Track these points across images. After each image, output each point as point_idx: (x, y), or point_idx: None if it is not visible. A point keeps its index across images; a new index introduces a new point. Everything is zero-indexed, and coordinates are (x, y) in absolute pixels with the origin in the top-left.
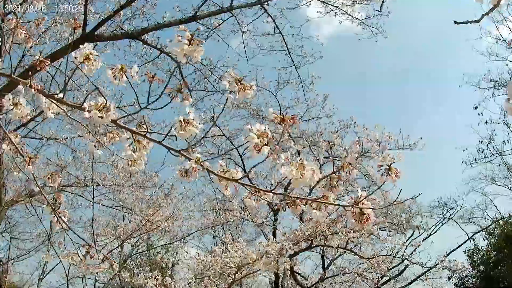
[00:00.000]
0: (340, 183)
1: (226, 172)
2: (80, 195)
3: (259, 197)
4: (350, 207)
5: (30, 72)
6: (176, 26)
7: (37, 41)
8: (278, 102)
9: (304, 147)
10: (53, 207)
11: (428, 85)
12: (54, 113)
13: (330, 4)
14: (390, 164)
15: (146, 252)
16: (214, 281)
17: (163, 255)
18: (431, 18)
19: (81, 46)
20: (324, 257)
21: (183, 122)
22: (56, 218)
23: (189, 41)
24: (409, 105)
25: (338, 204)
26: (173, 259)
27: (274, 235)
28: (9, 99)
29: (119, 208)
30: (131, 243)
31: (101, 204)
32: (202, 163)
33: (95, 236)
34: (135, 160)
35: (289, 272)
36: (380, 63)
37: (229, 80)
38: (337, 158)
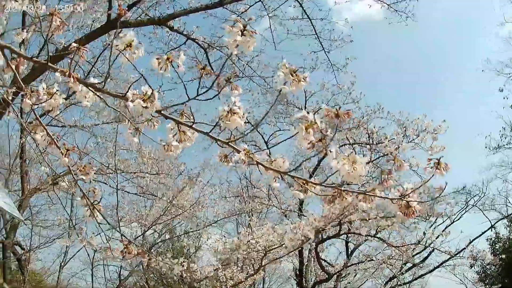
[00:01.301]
0: (391, 177)
1: (273, 162)
2: (103, 182)
3: (307, 189)
4: (397, 200)
5: (70, 61)
6: (203, 11)
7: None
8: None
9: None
10: (91, 202)
11: (447, 72)
12: (89, 102)
13: None
14: (440, 158)
15: (169, 239)
16: (240, 267)
17: (186, 241)
18: (450, 5)
19: (121, 34)
20: (349, 243)
21: (229, 113)
22: (89, 212)
23: (241, 32)
24: (428, 92)
25: (386, 197)
26: (196, 245)
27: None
28: (44, 88)
29: (143, 195)
30: (155, 229)
31: (124, 191)
32: (251, 155)
33: (119, 222)
34: (172, 146)
35: (313, 258)
36: (398, 49)
37: (284, 72)
38: (377, 145)
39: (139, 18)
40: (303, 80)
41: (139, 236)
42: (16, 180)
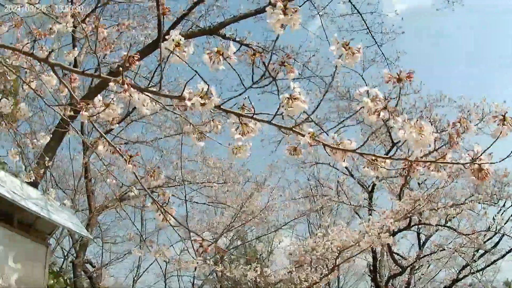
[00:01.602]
0: (459, 139)
1: (340, 144)
2: (172, 195)
3: (377, 165)
4: (469, 164)
5: (120, 69)
6: (252, 17)
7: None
8: (365, 81)
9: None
10: (160, 205)
11: (499, 62)
12: (148, 109)
13: None
14: (505, 113)
15: (241, 245)
16: (314, 268)
17: (258, 247)
18: None
19: (168, 35)
20: (420, 235)
21: (289, 98)
22: (162, 216)
23: (283, 11)
24: (481, 81)
25: (457, 162)
26: (268, 250)
27: (370, 216)
28: (100, 100)
29: (212, 204)
30: (226, 236)
31: (193, 201)
32: (317, 137)
33: (190, 234)
34: (240, 147)
35: (385, 253)
36: (447, 36)
37: (337, 46)
38: (441, 133)
39: (190, 29)
40: (356, 51)
41: (212, 243)
42: (82, 200)
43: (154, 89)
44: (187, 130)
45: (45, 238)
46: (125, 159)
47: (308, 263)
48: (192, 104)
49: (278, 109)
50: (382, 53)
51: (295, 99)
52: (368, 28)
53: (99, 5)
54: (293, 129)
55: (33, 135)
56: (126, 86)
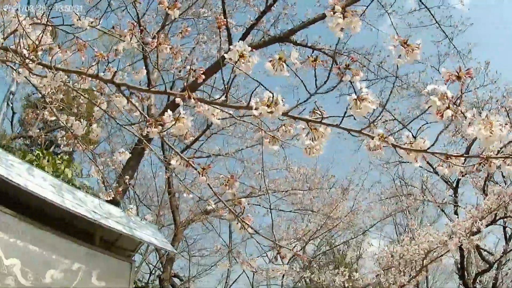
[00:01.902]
0: None
1: (412, 143)
2: (257, 204)
3: (451, 163)
4: None
5: (185, 84)
6: (321, 20)
7: (184, 64)
8: (442, 76)
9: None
10: (236, 214)
11: None
12: (219, 119)
13: None
14: None
15: (329, 250)
16: (402, 271)
17: (346, 251)
18: None
19: (232, 46)
20: (506, 229)
21: (357, 100)
22: (240, 225)
23: (342, 14)
24: None
25: None
26: (357, 254)
27: (456, 213)
28: (169, 115)
29: (298, 211)
30: (314, 243)
31: (279, 209)
32: (386, 138)
33: (277, 242)
34: (312, 147)
35: (473, 250)
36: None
37: (394, 44)
38: None
39: (262, 39)
40: (416, 48)
41: (299, 251)
42: (167, 215)
43: (218, 98)
44: (259, 137)
45: (129, 255)
46: (198, 172)
47: (396, 266)
48: (259, 113)
49: (346, 111)
50: (454, 46)
51: (363, 100)
52: (437, 22)
53: (167, 23)
54: (362, 131)
55: (112, 153)
56: (192, 100)
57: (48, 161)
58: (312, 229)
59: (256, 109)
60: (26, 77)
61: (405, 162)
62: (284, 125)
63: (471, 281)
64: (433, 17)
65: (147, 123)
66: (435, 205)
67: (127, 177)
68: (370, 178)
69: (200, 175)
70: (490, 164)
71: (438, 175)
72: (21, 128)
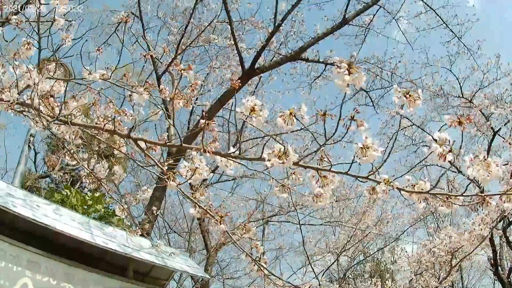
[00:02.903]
0: None
1: (415, 185)
2: (286, 221)
3: (451, 202)
4: None
5: (202, 138)
6: (331, 35)
7: (200, 91)
8: (455, 75)
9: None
10: (253, 259)
11: None
12: (232, 169)
13: None
14: None
15: (363, 260)
16: (433, 274)
17: (380, 259)
18: None
19: (244, 100)
20: None
21: (363, 148)
22: (257, 267)
23: (348, 70)
24: None
25: None
26: (391, 261)
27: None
28: (185, 166)
29: (328, 224)
30: (347, 255)
31: (309, 224)
32: (391, 183)
33: (309, 257)
34: (320, 195)
35: (505, 245)
36: None
37: (398, 96)
38: None
39: (273, 59)
40: (417, 98)
41: (333, 263)
42: (198, 240)
43: (232, 152)
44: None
45: (163, 284)
46: (216, 220)
47: (429, 268)
48: (271, 164)
49: (353, 160)
50: (464, 45)
51: (368, 148)
52: (444, 22)
53: (179, 52)
54: (369, 177)
55: (138, 186)
56: (209, 154)
57: (77, 199)
58: (343, 241)
59: (268, 160)
60: (43, 125)
61: (429, 165)
62: (294, 173)
63: (506, 275)
64: (440, 17)
65: (166, 177)
66: (462, 204)
67: (155, 208)
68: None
69: (219, 224)
70: (487, 203)
71: (464, 174)
72: (45, 167)
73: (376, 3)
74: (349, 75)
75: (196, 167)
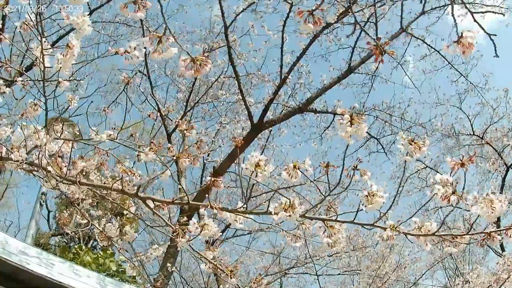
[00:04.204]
0: None
1: (420, 228)
2: (304, 273)
3: (457, 242)
4: None
5: (207, 195)
6: (338, 84)
7: (211, 148)
8: (465, 113)
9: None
10: None
11: None
12: (241, 223)
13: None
14: None
15: None
16: None
17: None
18: None
19: (249, 156)
20: None
21: (368, 196)
22: None
23: (350, 122)
24: None
25: None
26: None
27: (502, 247)
28: (194, 223)
29: (345, 273)
30: None
31: (327, 275)
32: (397, 228)
33: None
34: (334, 242)
35: None
36: None
37: (403, 143)
38: None
39: (282, 112)
40: (422, 145)
41: None
42: None
43: (240, 207)
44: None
45: None
46: (226, 274)
47: None
48: (279, 218)
49: (359, 208)
50: (471, 83)
51: (373, 195)
52: (449, 63)
53: (187, 109)
54: (375, 224)
55: (152, 244)
56: (216, 210)
57: (89, 257)
58: None
59: (275, 214)
60: (52, 185)
61: (444, 207)
62: (303, 223)
63: None
64: (445, 58)
65: (174, 234)
66: (469, 243)
67: (169, 265)
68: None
69: (229, 278)
70: (493, 239)
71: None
72: (57, 225)
73: None
74: (351, 126)
75: (205, 224)
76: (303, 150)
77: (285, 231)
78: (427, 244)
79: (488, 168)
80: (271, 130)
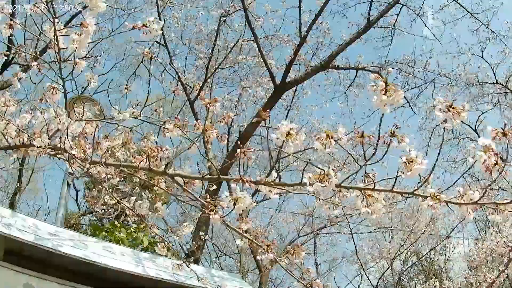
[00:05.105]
0: None
1: (463, 196)
2: (337, 232)
3: (501, 209)
4: None
5: (238, 169)
6: (357, 40)
7: (236, 113)
8: (488, 62)
9: None
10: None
11: None
12: (277, 193)
13: None
14: None
15: (417, 262)
16: (490, 267)
17: (433, 258)
18: None
19: (279, 125)
20: None
21: (407, 162)
22: None
23: (385, 89)
24: None
25: None
26: (444, 258)
27: None
28: (227, 197)
29: (378, 230)
30: (400, 259)
31: (360, 233)
32: (438, 196)
33: (364, 265)
34: (371, 209)
35: None
36: None
37: (441, 108)
38: None
39: (306, 71)
40: (461, 110)
41: (387, 269)
42: (249, 261)
43: (273, 180)
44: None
45: None
46: (263, 248)
47: (484, 263)
48: (313, 189)
49: (397, 175)
50: (492, 31)
51: (412, 161)
52: (468, 12)
53: (208, 76)
54: (415, 193)
55: (184, 216)
56: (247, 183)
57: (121, 232)
58: (395, 245)
59: (310, 185)
60: (79, 166)
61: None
62: (340, 190)
63: None
64: (464, 8)
65: (207, 211)
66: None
67: (202, 233)
68: (441, 183)
69: (267, 253)
70: None
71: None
72: (87, 204)
73: (398, 2)
74: (385, 94)
75: (238, 197)
76: (328, 109)
77: (321, 199)
78: (469, 213)
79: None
80: (295, 91)
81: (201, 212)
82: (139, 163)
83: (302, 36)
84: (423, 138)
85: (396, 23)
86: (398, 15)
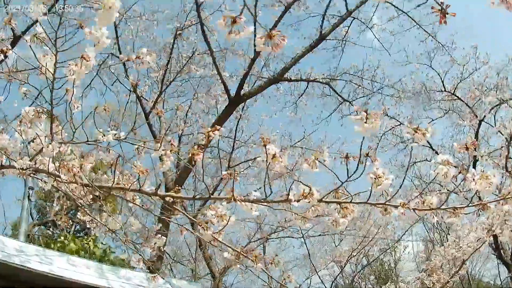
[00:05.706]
0: None
1: (424, 202)
2: (287, 237)
3: (458, 213)
4: None
5: (228, 188)
6: (310, 53)
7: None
8: (435, 70)
9: None
10: None
11: None
12: (256, 211)
13: None
14: None
15: (367, 264)
16: (444, 269)
17: (382, 260)
18: None
19: (267, 148)
20: None
21: (376, 178)
22: None
23: (365, 118)
24: None
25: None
26: (394, 259)
27: (480, 198)
28: (212, 214)
29: (328, 233)
30: (351, 262)
31: (309, 237)
32: (407, 206)
33: (316, 269)
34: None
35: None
36: None
37: (409, 132)
38: None
39: (258, 84)
40: (426, 132)
41: (340, 271)
42: (202, 267)
43: (256, 197)
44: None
45: None
46: (252, 260)
47: (439, 266)
48: (299, 205)
49: (371, 190)
50: (439, 42)
51: (379, 177)
52: (417, 23)
53: (164, 88)
54: (386, 204)
55: (143, 229)
56: (237, 202)
57: (75, 244)
58: (347, 249)
59: (297, 201)
60: (53, 185)
61: (419, 161)
62: (313, 206)
63: (509, 257)
64: (412, 19)
65: (199, 228)
66: (460, 195)
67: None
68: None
69: (256, 264)
70: (488, 208)
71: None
72: (38, 215)
73: (350, 15)
74: (366, 122)
75: (222, 215)
76: (277, 119)
77: (295, 213)
78: (433, 217)
79: (460, 122)
80: (245, 101)
81: (158, 221)
82: (130, 185)
83: (257, 50)
84: (370, 144)
85: (347, 35)
86: (349, 27)
